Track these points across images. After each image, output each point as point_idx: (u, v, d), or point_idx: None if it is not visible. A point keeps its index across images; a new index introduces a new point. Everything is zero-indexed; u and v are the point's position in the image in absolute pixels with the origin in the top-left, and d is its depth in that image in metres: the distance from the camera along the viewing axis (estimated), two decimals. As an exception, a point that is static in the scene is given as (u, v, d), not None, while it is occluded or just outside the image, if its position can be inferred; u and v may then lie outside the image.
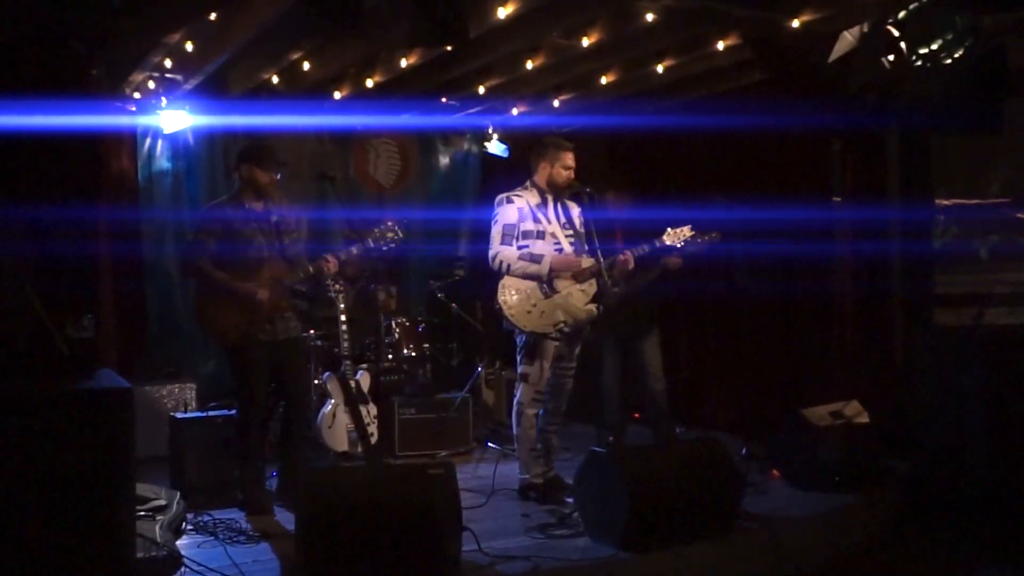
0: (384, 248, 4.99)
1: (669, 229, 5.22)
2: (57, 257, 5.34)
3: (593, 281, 4.93)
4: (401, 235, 4.99)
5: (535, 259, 4.90)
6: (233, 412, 5.34)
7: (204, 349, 7.10)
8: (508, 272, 4.94)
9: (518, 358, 5.04)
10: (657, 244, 5.18)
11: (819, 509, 4.89)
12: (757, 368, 6.72)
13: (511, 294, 4.93)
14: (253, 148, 5.04)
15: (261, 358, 4.88)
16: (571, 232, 5.06)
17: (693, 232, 5.21)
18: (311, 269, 4.91)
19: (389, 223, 4.99)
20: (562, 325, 4.92)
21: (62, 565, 3.18)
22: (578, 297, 4.96)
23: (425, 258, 7.85)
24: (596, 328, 5.10)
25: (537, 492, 5.05)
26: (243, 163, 4.97)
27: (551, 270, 4.90)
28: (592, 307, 4.91)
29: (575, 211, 5.14)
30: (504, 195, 5.06)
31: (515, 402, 5.04)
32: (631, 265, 5.11)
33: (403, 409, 6.36)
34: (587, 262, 4.97)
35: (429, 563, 3.79)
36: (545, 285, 4.93)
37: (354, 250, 4.97)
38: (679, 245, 5.21)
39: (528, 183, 5.11)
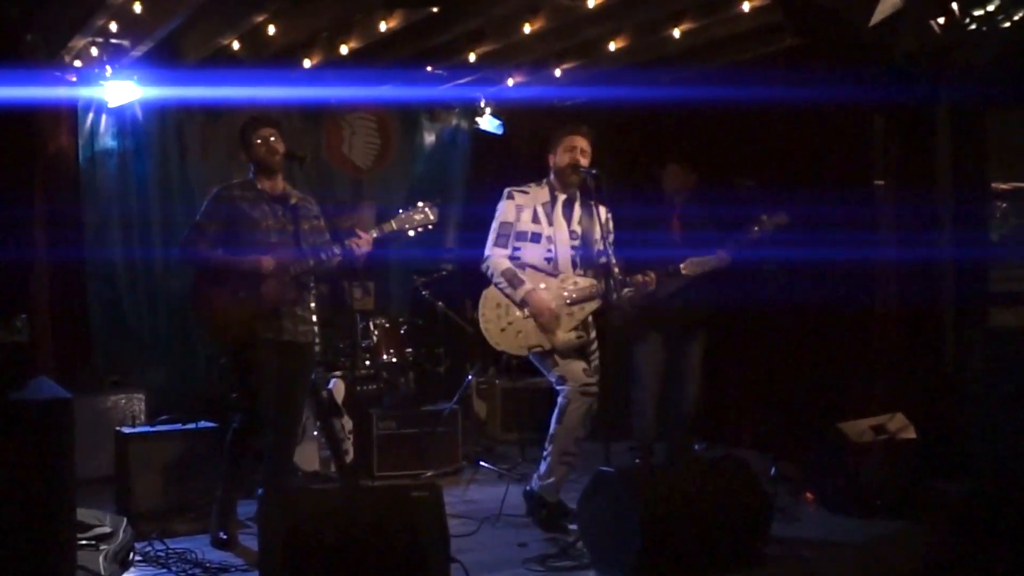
0: (411, 234, 4.90)
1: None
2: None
3: (584, 306, 4.96)
4: (434, 218, 4.88)
5: (514, 284, 4.97)
6: (189, 426, 5.34)
7: (154, 355, 7.10)
8: (492, 282, 5.04)
9: (545, 372, 5.07)
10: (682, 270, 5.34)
11: (858, 537, 4.90)
12: (788, 376, 6.71)
13: (490, 307, 5.03)
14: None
15: (268, 361, 4.77)
16: (576, 239, 5.08)
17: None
18: (338, 251, 4.78)
19: (420, 204, 4.89)
20: (538, 349, 4.93)
21: (-9, 602, 3.17)
22: (563, 322, 4.96)
23: (408, 250, 7.83)
24: (629, 333, 5.12)
25: (542, 512, 5.02)
26: (240, 144, 4.95)
27: (523, 304, 4.95)
28: (572, 335, 4.93)
29: (593, 213, 5.12)
30: (511, 188, 5.13)
31: (559, 398, 4.99)
32: (652, 287, 5.14)
33: (382, 423, 6.35)
34: (585, 281, 4.98)
35: (413, 599, 3.79)
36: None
37: (374, 233, 4.82)
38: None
39: (544, 180, 5.17)
